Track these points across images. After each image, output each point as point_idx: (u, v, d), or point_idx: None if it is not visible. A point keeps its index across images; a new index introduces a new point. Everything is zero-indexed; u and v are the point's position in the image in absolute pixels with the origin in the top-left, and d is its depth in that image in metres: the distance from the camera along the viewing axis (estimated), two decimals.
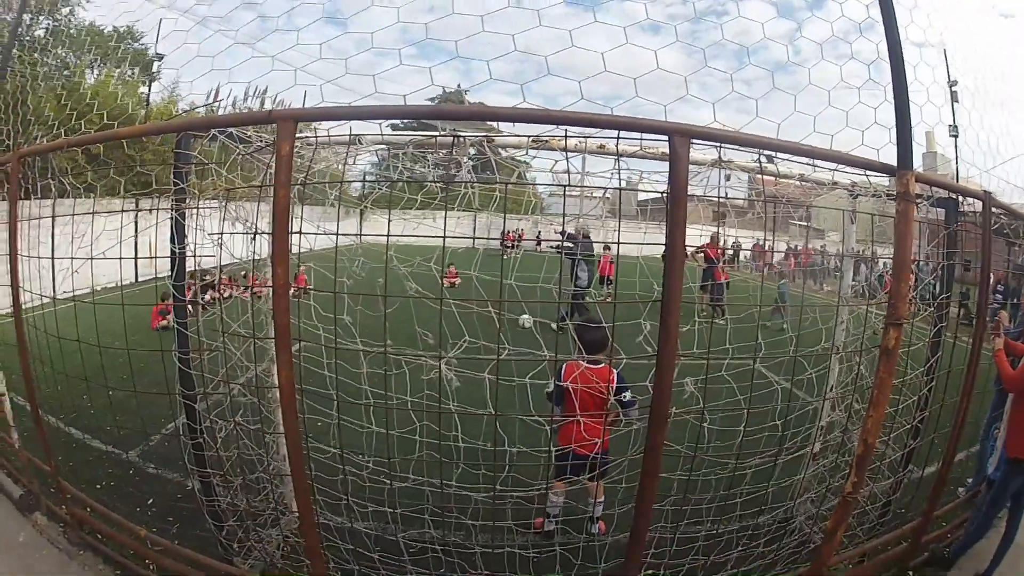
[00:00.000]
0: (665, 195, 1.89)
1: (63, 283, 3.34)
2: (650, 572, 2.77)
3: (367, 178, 3.16)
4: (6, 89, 4.75)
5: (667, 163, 1.97)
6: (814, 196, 3.53)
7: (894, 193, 2.52)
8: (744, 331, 2.81)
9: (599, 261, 8.58)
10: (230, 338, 2.62)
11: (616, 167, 2.10)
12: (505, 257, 2.32)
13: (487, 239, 2.42)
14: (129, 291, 4.09)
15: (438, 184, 2.57)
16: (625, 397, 3.12)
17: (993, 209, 3.40)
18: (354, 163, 2.58)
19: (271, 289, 2.10)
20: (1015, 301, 6.74)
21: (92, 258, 3.01)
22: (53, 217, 3.41)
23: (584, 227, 7.32)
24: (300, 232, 2.16)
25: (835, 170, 2.80)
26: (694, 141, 1.97)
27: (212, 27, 3.13)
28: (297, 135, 2.08)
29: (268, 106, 15.08)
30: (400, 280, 2.50)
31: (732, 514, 2.90)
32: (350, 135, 2.32)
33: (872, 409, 2.52)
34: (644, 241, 2.09)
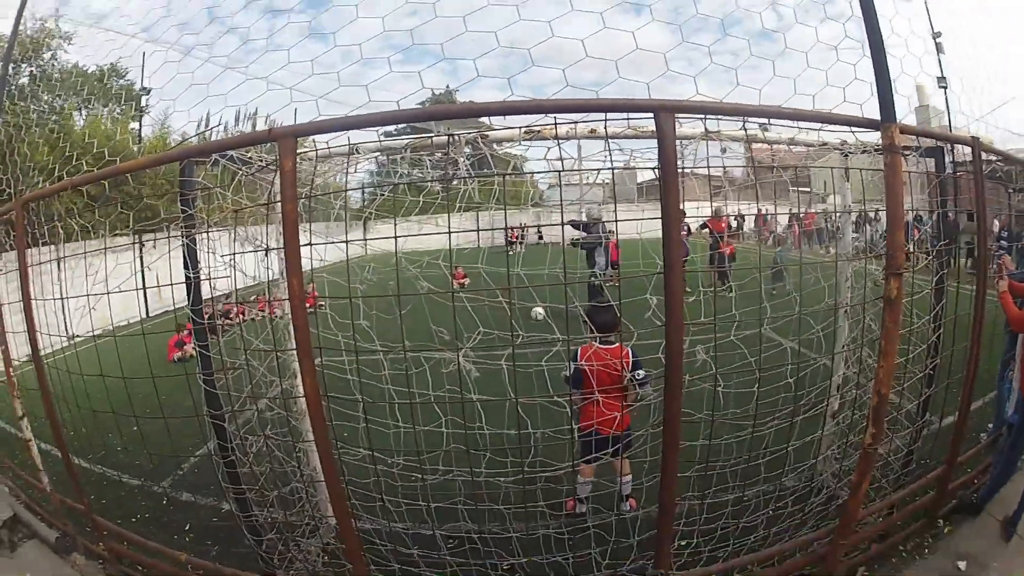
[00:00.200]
0: (656, 171, 1.94)
1: (80, 324, 3.42)
2: (683, 541, 2.83)
3: (367, 186, 3.23)
4: (1, 140, 4.85)
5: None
6: (809, 160, 3.57)
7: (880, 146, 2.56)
8: (750, 297, 2.87)
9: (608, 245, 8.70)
10: (252, 355, 2.70)
11: (607, 148, 2.16)
12: (510, 253, 2.38)
13: (491, 230, 2.47)
14: (139, 328, 4.18)
15: (438, 185, 2.63)
16: (639, 375, 3.19)
17: (985, 155, 3.44)
18: (355, 171, 2.65)
19: (286, 303, 2.17)
20: (1019, 245, 6.74)
21: (108, 292, 3.08)
22: (60, 259, 3.49)
23: (596, 213, 7.41)
24: (311, 244, 2.23)
25: (821, 130, 2.84)
26: (679, 115, 2.03)
27: (198, 55, 3.22)
28: (297, 150, 2.15)
29: (260, 127, 15.19)
30: (411, 282, 2.57)
31: (757, 477, 2.95)
32: (348, 145, 2.40)
33: (882, 359, 2.56)
34: (643, 217, 2.14)
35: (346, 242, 2.31)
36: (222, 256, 2.62)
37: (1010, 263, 4.23)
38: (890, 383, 2.60)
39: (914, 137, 3.23)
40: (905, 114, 2.97)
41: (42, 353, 3.44)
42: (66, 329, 3.40)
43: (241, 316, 3.44)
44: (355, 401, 2.50)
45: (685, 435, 2.32)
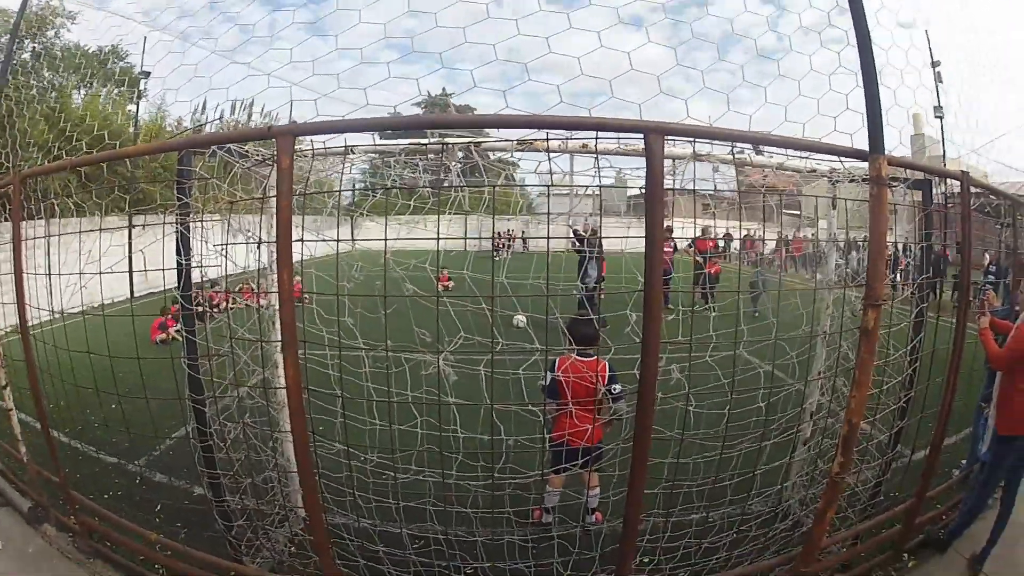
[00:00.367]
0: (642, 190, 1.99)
1: (70, 300, 3.44)
2: (646, 558, 2.87)
3: (359, 185, 3.27)
4: (2, 113, 4.88)
5: None
6: (802, 184, 3.61)
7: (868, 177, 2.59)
8: (730, 319, 2.91)
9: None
10: (236, 344, 2.73)
11: (596, 166, 2.21)
12: (496, 258, 2.41)
13: (479, 238, 2.51)
14: (125, 306, 4.21)
15: (429, 189, 2.67)
16: (615, 389, 3.22)
17: (973, 189, 3.47)
18: (349, 171, 2.69)
19: (271, 295, 2.19)
20: (1006, 281, 6.81)
21: (100, 273, 3.11)
22: (57, 236, 3.51)
23: (593, 224, 7.42)
24: (302, 240, 2.26)
25: (808, 158, 2.89)
26: (669, 137, 2.08)
27: (196, 42, 3.25)
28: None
29: (256, 118, 15.24)
30: (397, 283, 2.61)
31: (723, 499, 2.99)
32: (344, 146, 2.44)
33: (855, 389, 2.59)
34: (627, 235, 2.18)
35: (336, 240, 2.34)
36: (214, 246, 2.65)
37: (994, 299, 4.28)
38: (862, 413, 2.63)
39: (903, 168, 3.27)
40: (896, 145, 2.99)
41: (29, 325, 3.46)
42: (51, 304, 3.42)
43: (227, 303, 3.46)
44: (334, 396, 2.53)
45: (654, 452, 2.35)
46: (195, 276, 2.84)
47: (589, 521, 3.35)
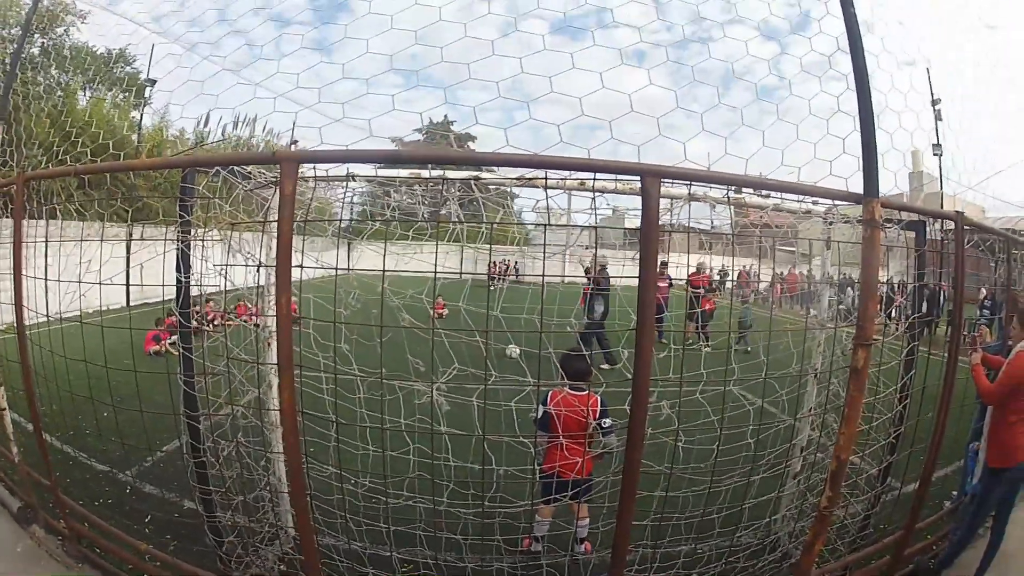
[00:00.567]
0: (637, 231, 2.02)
1: (69, 304, 3.45)
2: None
3: (356, 208, 3.30)
4: (8, 110, 4.90)
5: None
6: (797, 224, 3.66)
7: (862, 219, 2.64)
8: (720, 355, 2.94)
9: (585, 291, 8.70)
10: (231, 362, 2.75)
11: (593, 206, 2.25)
12: (491, 288, 2.44)
13: (473, 274, 2.54)
14: (119, 315, 4.24)
15: (426, 222, 2.70)
16: (605, 423, 3.25)
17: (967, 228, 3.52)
18: (350, 197, 2.72)
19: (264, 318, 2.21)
20: (1000, 317, 6.86)
21: (100, 284, 3.13)
22: (47, 240, 3.53)
23: (603, 260, 7.42)
24: (302, 266, 2.29)
25: (802, 201, 2.93)
26: (665, 180, 2.12)
27: (202, 53, 3.29)
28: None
29: (258, 135, 15.32)
30: (393, 312, 2.63)
31: (711, 531, 3.00)
32: (347, 175, 2.47)
33: (844, 426, 2.62)
34: (622, 275, 2.22)
35: (335, 269, 2.37)
36: (215, 265, 2.68)
37: (987, 335, 4.32)
38: (851, 449, 2.66)
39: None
40: (891, 187, 3.04)
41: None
42: (47, 307, 3.43)
43: (222, 321, 3.48)
44: (328, 420, 2.55)
45: (644, 485, 2.37)
46: (193, 291, 2.87)
47: (578, 551, 3.36)
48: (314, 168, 2.56)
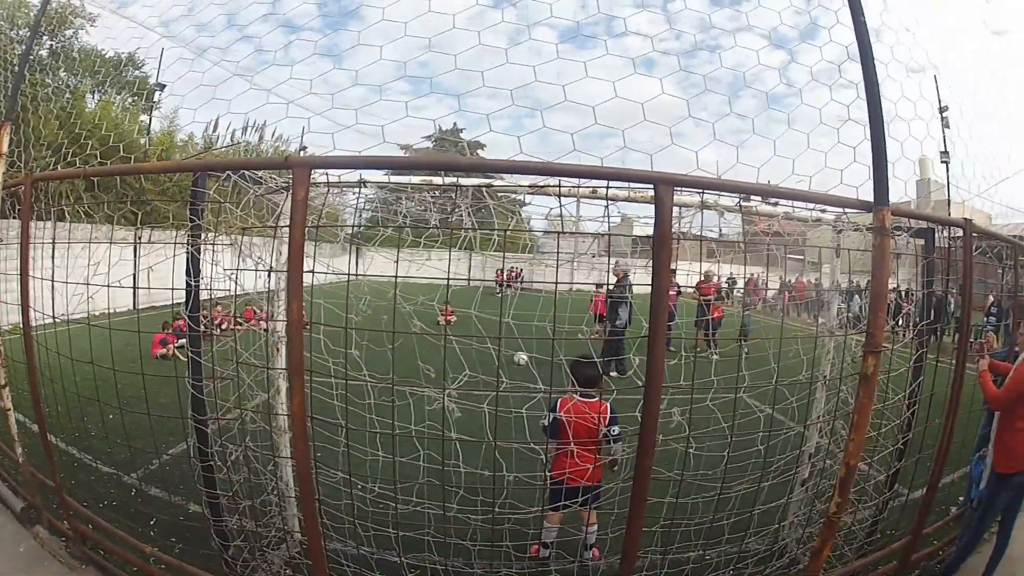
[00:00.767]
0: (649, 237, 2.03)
1: (77, 306, 3.45)
2: None
3: (367, 213, 3.30)
4: (15, 111, 4.92)
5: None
6: (807, 231, 3.66)
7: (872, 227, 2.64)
8: (730, 362, 2.94)
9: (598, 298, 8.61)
10: (239, 366, 2.75)
11: (607, 213, 2.25)
12: (497, 295, 2.44)
13: (482, 280, 2.54)
14: (126, 318, 4.25)
15: (437, 228, 2.71)
16: (614, 431, 3.24)
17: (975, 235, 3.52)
18: (360, 202, 2.72)
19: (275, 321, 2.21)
20: (1006, 323, 6.84)
21: (108, 286, 3.13)
22: (54, 242, 3.54)
23: (624, 267, 7.41)
24: (313, 272, 2.29)
25: (815, 209, 2.93)
26: (680, 188, 2.12)
27: (211, 58, 3.29)
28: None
29: (267, 141, 15.35)
30: (403, 317, 2.63)
31: (720, 537, 3.00)
32: (360, 180, 2.47)
33: (853, 432, 2.61)
34: (636, 283, 2.21)
35: (348, 275, 2.38)
36: (225, 269, 2.68)
37: (993, 341, 4.31)
38: (859, 455, 2.66)
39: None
40: (901, 195, 3.03)
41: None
42: (54, 308, 3.43)
43: (230, 324, 3.48)
44: (337, 425, 2.55)
45: (654, 491, 2.37)
46: (202, 295, 2.87)
47: (586, 557, 3.36)
48: (326, 174, 2.57)
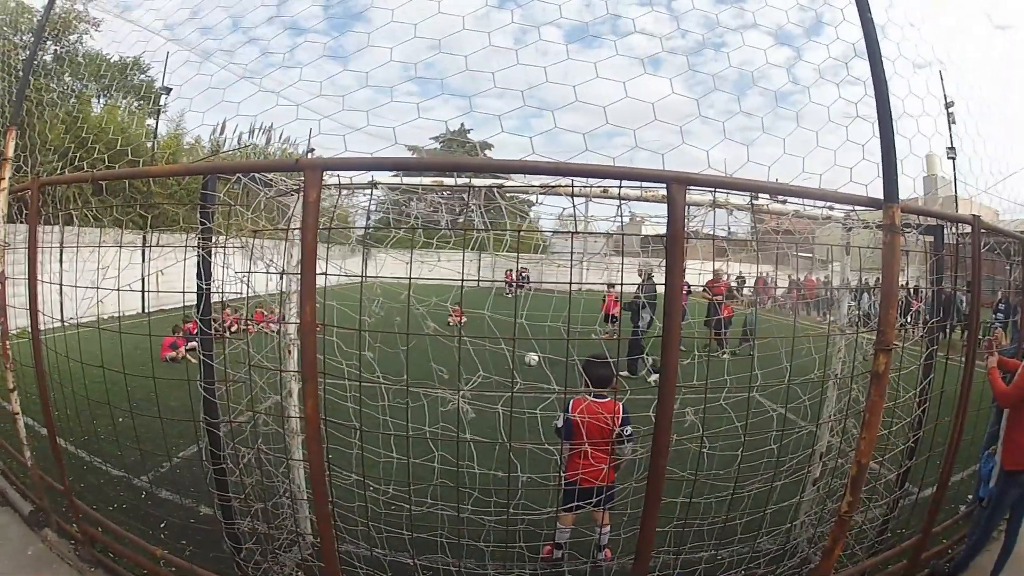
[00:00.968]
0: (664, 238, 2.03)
1: (86, 310, 3.46)
2: None
3: (376, 214, 3.31)
4: (21, 115, 4.93)
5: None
6: (816, 229, 3.66)
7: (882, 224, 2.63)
8: (742, 362, 2.94)
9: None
10: (251, 369, 2.76)
11: (619, 212, 2.25)
12: (507, 295, 2.44)
13: (491, 281, 2.54)
14: (134, 321, 4.26)
15: (449, 229, 2.71)
16: (627, 431, 3.23)
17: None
18: (370, 204, 2.73)
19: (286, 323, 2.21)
20: (1014, 319, 6.83)
21: (119, 290, 3.14)
22: (61, 246, 3.55)
23: (648, 267, 7.39)
24: (326, 273, 2.30)
25: (827, 207, 2.93)
26: (690, 187, 2.12)
27: (218, 61, 3.29)
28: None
29: (275, 143, 15.38)
30: (416, 319, 2.64)
31: (733, 537, 3.00)
32: (371, 182, 2.48)
33: (864, 431, 2.61)
34: (646, 283, 2.21)
35: (362, 277, 2.38)
36: (236, 272, 2.68)
37: (1002, 338, 4.31)
38: (871, 454, 2.65)
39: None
40: (909, 193, 3.02)
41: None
42: (62, 312, 3.44)
43: (244, 326, 3.48)
44: (351, 427, 2.55)
45: (667, 491, 2.37)
46: (213, 298, 2.88)
47: (599, 558, 3.35)
48: (337, 176, 2.57)
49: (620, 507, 2.78)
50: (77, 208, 4.05)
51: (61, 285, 3.55)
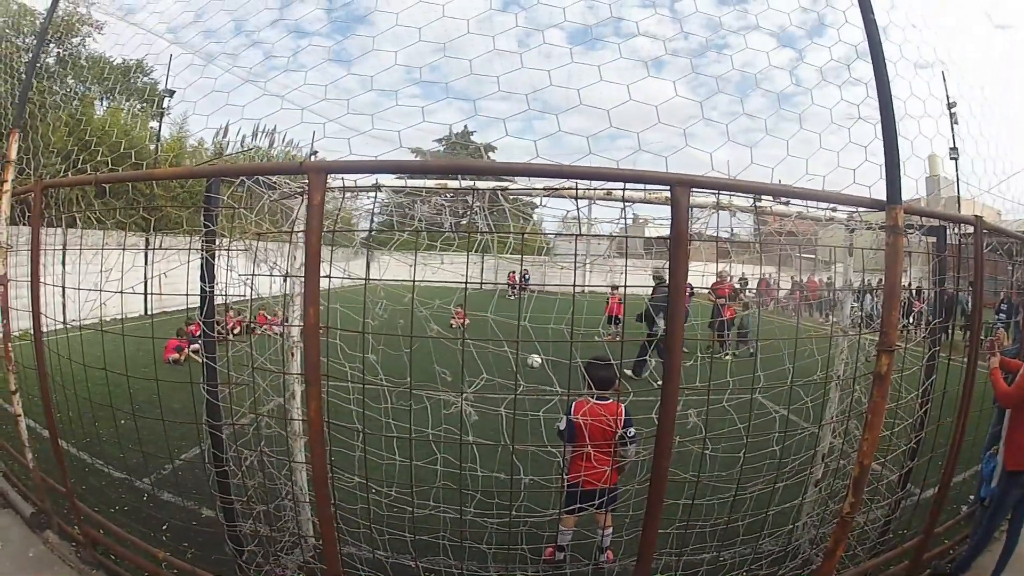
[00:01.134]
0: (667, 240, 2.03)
1: (89, 312, 3.47)
2: None
3: (380, 217, 3.31)
4: (23, 118, 4.94)
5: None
6: (819, 230, 3.67)
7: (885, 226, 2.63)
8: (744, 363, 2.95)
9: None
10: (254, 371, 2.76)
11: (623, 215, 2.25)
12: (511, 298, 2.45)
13: (494, 283, 2.54)
14: (137, 323, 4.26)
15: (453, 232, 2.71)
16: (630, 432, 3.24)
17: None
18: (374, 206, 2.73)
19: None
20: (1016, 319, 6.82)
21: (122, 292, 3.14)
22: (64, 248, 3.56)
23: (661, 271, 7.32)
24: (330, 276, 2.30)
25: (827, 208, 2.93)
26: (694, 189, 2.13)
27: (230, 69, 3.30)
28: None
29: (277, 146, 15.40)
30: (420, 321, 2.64)
31: (735, 539, 3.00)
32: (376, 185, 2.48)
33: (867, 432, 2.61)
34: (645, 284, 2.22)
35: (365, 280, 2.38)
36: (240, 275, 2.69)
37: (1004, 338, 4.30)
38: (873, 455, 2.65)
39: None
40: (912, 194, 3.02)
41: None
42: (65, 314, 3.44)
43: (248, 328, 3.48)
44: (354, 429, 2.56)
45: (669, 493, 2.38)
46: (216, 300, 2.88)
47: (601, 560, 3.35)
48: (341, 179, 2.58)
49: (622, 509, 2.78)
50: (80, 210, 4.07)
51: (64, 287, 3.56)
